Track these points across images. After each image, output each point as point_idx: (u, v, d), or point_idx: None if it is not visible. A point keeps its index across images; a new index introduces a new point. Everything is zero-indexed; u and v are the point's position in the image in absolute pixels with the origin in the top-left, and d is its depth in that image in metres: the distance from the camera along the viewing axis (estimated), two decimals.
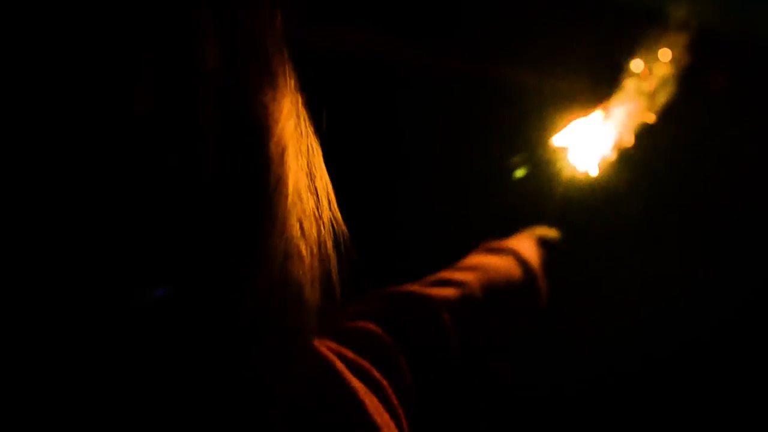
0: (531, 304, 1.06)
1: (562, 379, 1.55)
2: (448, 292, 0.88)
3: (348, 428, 0.56)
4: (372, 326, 0.73)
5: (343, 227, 0.52)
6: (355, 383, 0.60)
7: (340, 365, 0.60)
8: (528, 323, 1.07)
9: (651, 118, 1.33)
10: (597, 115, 1.26)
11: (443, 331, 0.82)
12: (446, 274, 0.95)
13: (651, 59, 1.47)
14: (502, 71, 1.62)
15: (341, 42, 1.50)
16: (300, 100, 0.47)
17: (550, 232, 1.19)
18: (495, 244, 1.09)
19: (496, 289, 0.95)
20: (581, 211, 1.21)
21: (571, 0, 1.73)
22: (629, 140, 1.27)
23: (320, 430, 0.55)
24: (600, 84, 1.34)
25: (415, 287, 0.88)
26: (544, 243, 1.16)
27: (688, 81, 1.68)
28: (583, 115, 1.24)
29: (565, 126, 1.21)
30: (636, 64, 1.43)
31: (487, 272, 0.96)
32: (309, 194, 0.48)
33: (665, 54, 1.75)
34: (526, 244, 1.11)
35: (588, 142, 1.23)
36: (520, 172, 1.25)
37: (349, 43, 1.54)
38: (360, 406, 0.58)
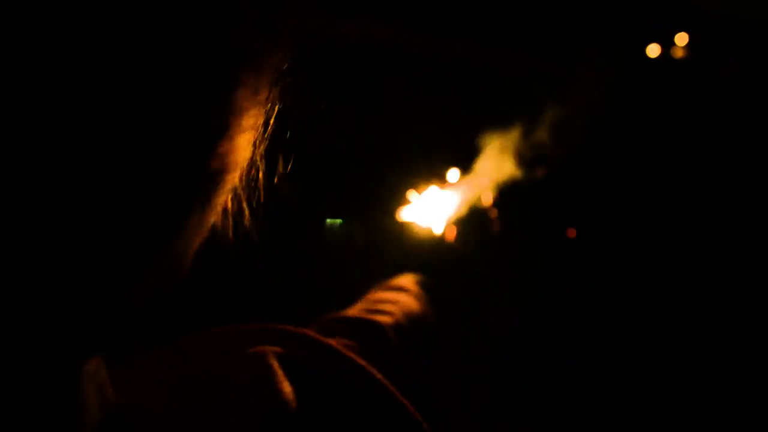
0: (430, 331, 1.16)
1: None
2: (386, 319, 0.95)
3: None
4: (350, 343, 0.77)
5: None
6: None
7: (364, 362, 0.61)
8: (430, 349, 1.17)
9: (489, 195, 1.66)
10: (446, 184, 1.57)
11: (396, 353, 0.89)
12: (372, 305, 1.03)
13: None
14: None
15: None
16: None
17: (419, 276, 1.37)
18: (391, 283, 1.22)
19: (411, 318, 1.04)
20: (436, 259, 1.49)
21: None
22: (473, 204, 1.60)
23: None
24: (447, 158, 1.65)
25: (359, 313, 0.95)
26: (419, 283, 1.31)
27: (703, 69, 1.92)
28: (433, 185, 1.56)
29: (418, 195, 1.51)
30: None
31: (402, 304, 1.07)
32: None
33: (682, 38, 2.02)
34: (411, 284, 1.24)
35: (437, 206, 1.52)
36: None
37: None
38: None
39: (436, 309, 1.30)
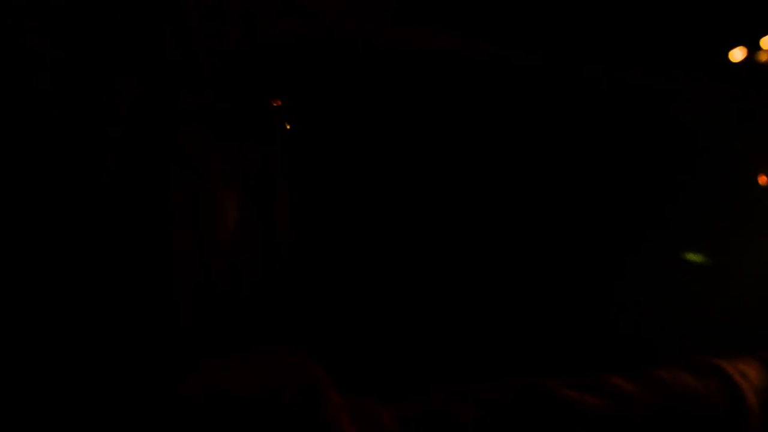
0: None
1: None
2: (593, 400, 0.78)
3: None
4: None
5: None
6: None
7: None
8: None
9: None
10: None
11: None
12: (608, 379, 0.82)
13: None
14: None
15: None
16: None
17: None
18: (701, 359, 0.88)
19: (671, 415, 0.80)
20: None
21: None
22: None
23: None
24: None
25: (554, 385, 0.80)
26: None
27: None
28: None
29: None
30: None
31: (668, 391, 0.81)
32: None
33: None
34: (747, 368, 0.87)
35: None
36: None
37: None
38: None
39: None
